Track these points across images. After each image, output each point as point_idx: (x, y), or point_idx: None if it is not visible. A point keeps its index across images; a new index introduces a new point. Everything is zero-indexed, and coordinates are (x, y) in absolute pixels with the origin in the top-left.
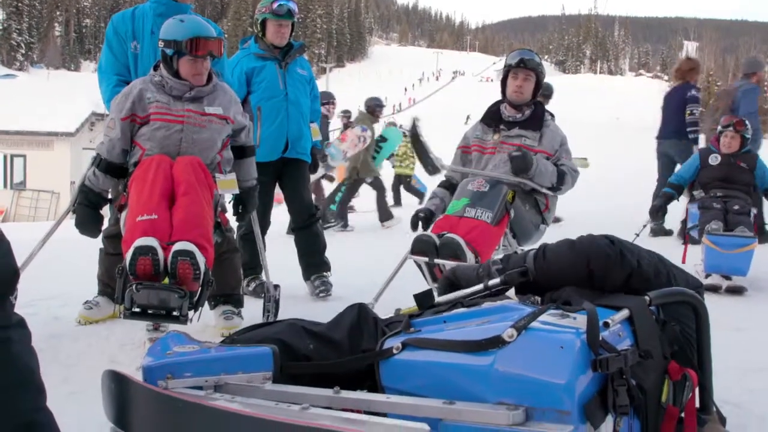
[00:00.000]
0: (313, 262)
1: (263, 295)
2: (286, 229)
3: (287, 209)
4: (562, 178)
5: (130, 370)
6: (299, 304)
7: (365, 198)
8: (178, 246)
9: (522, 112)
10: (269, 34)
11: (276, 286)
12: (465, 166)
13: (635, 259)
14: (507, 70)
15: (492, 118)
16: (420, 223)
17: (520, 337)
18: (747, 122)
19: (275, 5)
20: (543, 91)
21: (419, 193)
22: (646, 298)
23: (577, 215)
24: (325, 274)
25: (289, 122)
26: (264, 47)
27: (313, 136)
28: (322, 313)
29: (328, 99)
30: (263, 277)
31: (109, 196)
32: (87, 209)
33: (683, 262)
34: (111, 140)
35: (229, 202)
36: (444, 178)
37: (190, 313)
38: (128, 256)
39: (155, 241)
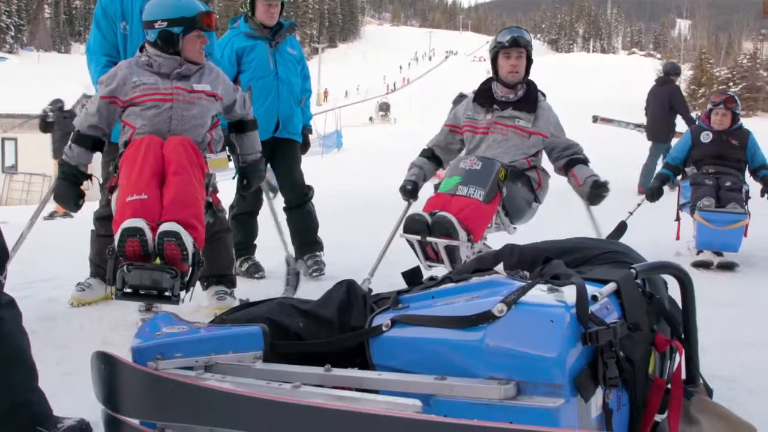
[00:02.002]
0: (306, 241)
1: (286, 268)
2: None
3: (279, 189)
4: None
5: (123, 351)
6: None
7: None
8: (164, 227)
9: (515, 92)
10: (259, 14)
11: (297, 259)
12: (451, 146)
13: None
14: (497, 50)
15: (485, 97)
16: (407, 195)
17: (510, 311)
18: (737, 99)
19: None
20: (673, 70)
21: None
22: (633, 271)
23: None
24: (318, 253)
25: (280, 102)
26: (254, 27)
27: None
28: (314, 291)
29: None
30: (255, 257)
31: (89, 171)
32: (65, 183)
33: (677, 238)
34: (86, 113)
35: (233, 178)
36: (425, 147)
37: (182, 294)
38: (116, 237)
39: (143, 222)
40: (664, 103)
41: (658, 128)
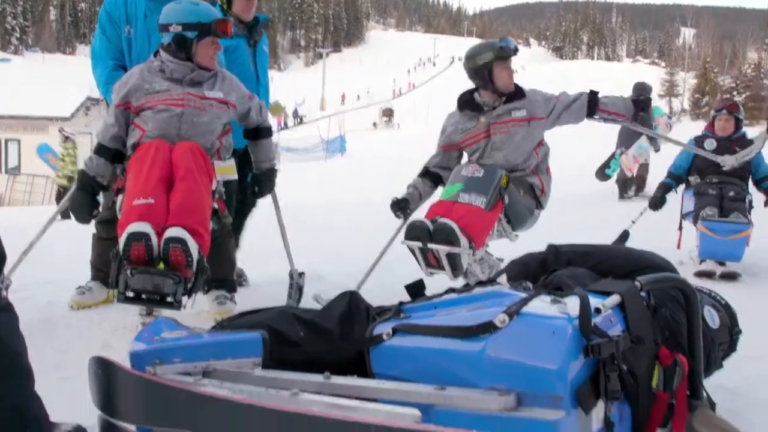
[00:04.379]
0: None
1: (289, 281)
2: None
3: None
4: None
5: (123, 355)
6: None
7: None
8: (170, 232)
9: (501, 98)
10: (236, 7)
11: (301, 274)
12: (449, 164)
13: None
14: (493, 61)
15: (471, 105)
16: (394, 208)
17: (512, 322)
18: (739, 105)
19: None
20: None
21: None
22: (637, 283)
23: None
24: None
25: None
26: (234, 22)
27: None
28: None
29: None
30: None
31: (105, 183)
32: (80, 192)
33: (678, 248)
34: (105, 125)
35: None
36: (422, 168)
37: (184, 299)
38: (122, 241)
39: (149, 227)
40: None
41: None
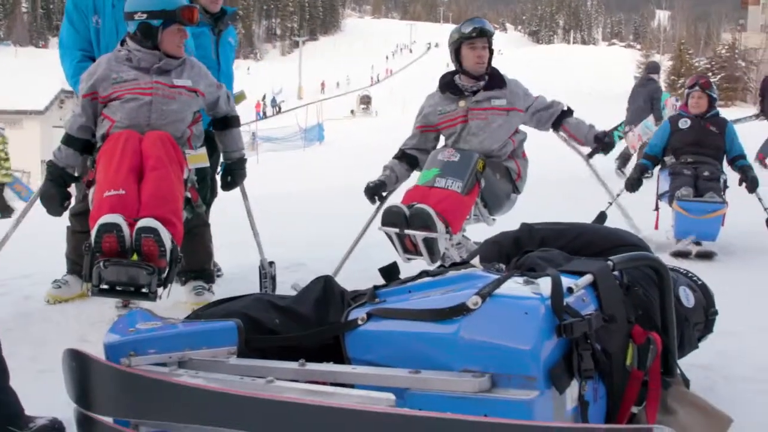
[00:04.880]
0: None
1: (260, 272)
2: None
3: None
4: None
5: (100, 348)
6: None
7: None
8: (142, 223)
9: (478, 83)
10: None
11: (271, 263)
12: (426, 146)
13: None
14: (461, 41)
15: (452, 87)
16: (374, 195)
17: (485, 304)
18: (712, 82)
19: None
20: None
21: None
22: (610, 263)
23: (557, 180)
24: None
25: None
26: (200, 11)
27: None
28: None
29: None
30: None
31: (76, 173)
32: (50, 184)
33: (655, 228)
34: (74, 115)
35: (218, 174)
36: (398, 150)
37: (159, 290)
38: (93, 233)
39: (120, 218)
40: None
41: None
